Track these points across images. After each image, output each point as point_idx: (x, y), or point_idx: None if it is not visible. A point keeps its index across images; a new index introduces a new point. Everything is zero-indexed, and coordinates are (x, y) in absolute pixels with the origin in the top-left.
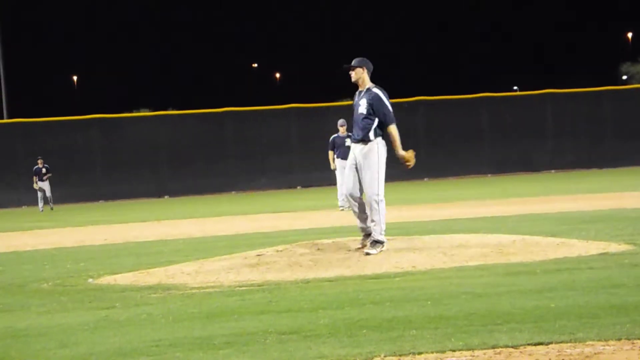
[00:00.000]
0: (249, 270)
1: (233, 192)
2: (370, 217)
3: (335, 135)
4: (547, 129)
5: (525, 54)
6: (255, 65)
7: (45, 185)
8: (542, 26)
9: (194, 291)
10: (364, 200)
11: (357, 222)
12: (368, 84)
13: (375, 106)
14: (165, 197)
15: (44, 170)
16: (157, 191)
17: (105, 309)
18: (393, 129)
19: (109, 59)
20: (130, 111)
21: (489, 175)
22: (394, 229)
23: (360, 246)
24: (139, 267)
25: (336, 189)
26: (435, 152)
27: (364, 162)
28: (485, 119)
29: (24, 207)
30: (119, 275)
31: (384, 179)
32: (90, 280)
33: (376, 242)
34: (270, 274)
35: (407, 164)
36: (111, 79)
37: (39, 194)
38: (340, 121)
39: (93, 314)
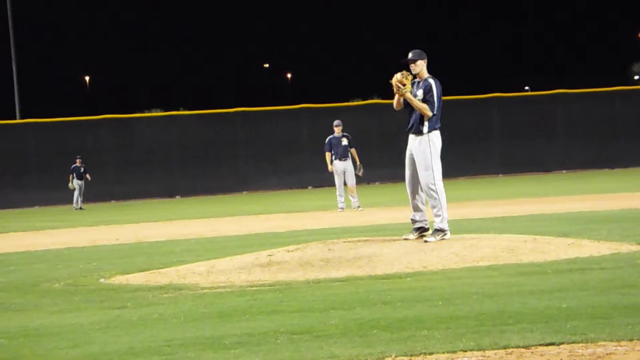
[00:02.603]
0: (260, 270)
1: (244, 192)
2: (432, 206)
3: (331, 136)
4: (558, 129)
5: (537, 55)
6: (267, 65)
7: (82, 184)
8: (553, 26)
9: (205, 291)
10: (421, 192)
11: (410, 214)
12: (426, 74)
13: (426, 95)
14: (177, 197)
15: (82, 169)
16: (168, 191)
17: (117, 308)
18: (426, 108)
19: (120, 59)
20: (142, 111)
21: (500, 175)
22: (404, 229)
23: (409, 237)
24: (150, 267)
25: (335, 190)
26: (446, 152)
27: (417, 152)
28: (496, 119)
29: (37, 207)
30: (131, 275)
31: (439, 168)
32: (102, 280)
33: (438, 230)
34: (282, 274)
35: (401, 88)
36: (123, 80)
37: (75, 192)
38: (336, 122)
39: (105, 314)
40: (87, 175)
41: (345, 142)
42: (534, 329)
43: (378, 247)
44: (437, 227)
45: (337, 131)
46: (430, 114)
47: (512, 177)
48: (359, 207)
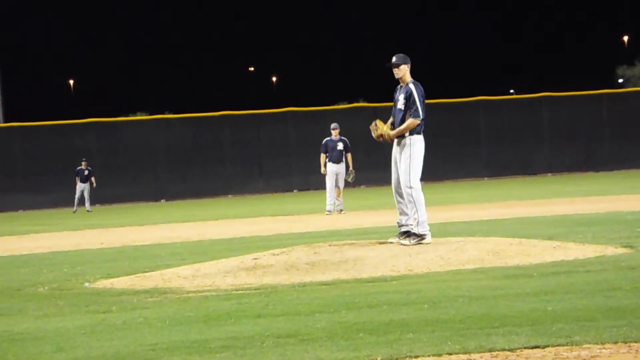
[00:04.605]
0: (245, 274)
1: (230, 196)
2: (409, 209)
3: (328, 138)
4: (543, 132)
5: (522, 57)
6: (252, 69)
7: (86, 187)
8: (539, 29)
9: (190, 295)
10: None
11: (397, 218)
12: (408, 79)
13: (408, 100)
14: (162, 200)
15: (86, 172)
16: (154, 195)
17: (102, 312)
18: (411, 121)
19: (105, 62)
20: (127, 115)
21: (486, 178)
22: (390, 232)
23: (392, 241)
24: (135, 271)
25: (325, 193)
26: (432, 155)
27: (399, 155)
28: (482, 121)
29: (21, 211)
30: (116, 279)
31: (418, 171)
32: (86, 284)
33: (413, 234)
34: (267, 278)
35: (385, 138)
36: (108, 83)
37: (77, 195)
38: (333, 125)
39: (90, 318)
40: (92, 179)
41: (340, 146)
42: (519, 331)
43: (364, 251)
44: (413, 232)
45: (334, 134)
46: (418, 122)
47: (498, 179)
48: (341, 210)
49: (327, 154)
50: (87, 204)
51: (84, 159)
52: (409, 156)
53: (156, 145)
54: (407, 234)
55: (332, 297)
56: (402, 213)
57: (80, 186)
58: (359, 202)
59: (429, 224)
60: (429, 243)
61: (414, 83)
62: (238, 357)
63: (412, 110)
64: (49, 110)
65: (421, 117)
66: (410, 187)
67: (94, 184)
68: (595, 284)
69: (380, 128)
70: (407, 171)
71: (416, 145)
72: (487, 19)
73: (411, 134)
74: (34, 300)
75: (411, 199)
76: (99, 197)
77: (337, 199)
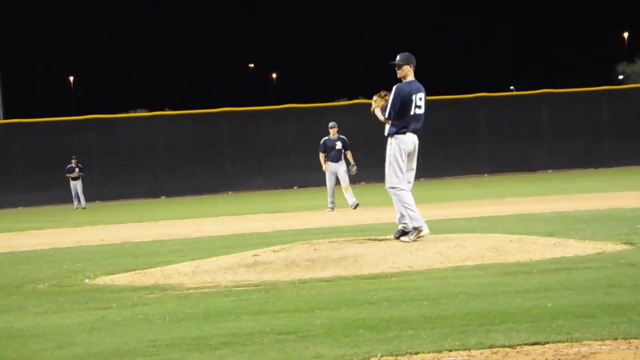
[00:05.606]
0: (245, 271)
1: (230, 193)
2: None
3: (326, 137)
4: (543, 128)
5: (522, 54)
6: (252, 65)
7: (78, 184)
8: (539, 26)
9: (190, 291)
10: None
11: (396, 215)
12: (409, 79)
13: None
14: (162, 197)
15: (76, 169)
16: (153, 191)
17: (102, 309)
18: (383, 118)
19: (105, 59)
20: (127, 112)
21: (486, 175)
22: (390, 229)
23: (390, 237)
24: (135, 268)
25: (326, 190)
26: (432, 152)
27: (386, 156)
28: (482, 118)
29: (21, 208)
30: (116, 275)
31: (399, 170)
32: (87, 280)
33: (412, 229)
34: (267, 274)
35: (372, 105)
36: (107, 80)
37: (73, 192)
38: (331, 123)
39: (90, 315)
40: (82, 173)
41: (339, 146)
42: (519, 328)
43: (364, 247)
44: (410, 227)
45: (332, 133)
46: (382, 119)
47: (498, 176)
48: (354, 203)
49: (326, 154)
50: (82, 200)
51: (73, 157)
52: (389, 155)
53: (156, 142)
54: (406, 232)
55: (331, 293)
56: (398, 212)
57: (72, 184)
58: (359, 199)
59: (427, 221)
60: (428, 234)
61: (404, 84)
62: (238, 354)
63: (386, 109)
64: (49, 106)
65: (386, 117)
66: (392, 188)
67: (83, 173)
68: (595, 280)
69: (377, 102)
70: (387, 173)
71: (397, 144)
72: (487, 19)
73: (390, 133)
74: (34, 297)
75: (396, 198)
76: (98, 194)
77: (346, 194)
